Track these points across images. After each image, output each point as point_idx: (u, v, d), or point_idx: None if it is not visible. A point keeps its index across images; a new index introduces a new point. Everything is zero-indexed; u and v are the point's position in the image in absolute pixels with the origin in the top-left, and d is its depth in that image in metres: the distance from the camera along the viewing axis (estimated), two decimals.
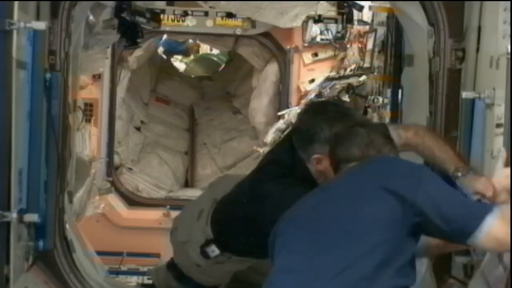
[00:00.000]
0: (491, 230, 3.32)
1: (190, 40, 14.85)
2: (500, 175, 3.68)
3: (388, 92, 6.89)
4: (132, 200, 11.35)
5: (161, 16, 10.07)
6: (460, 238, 3.40)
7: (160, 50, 14.39)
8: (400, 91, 6.36)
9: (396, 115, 6.44)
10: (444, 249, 4.16)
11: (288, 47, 11.21)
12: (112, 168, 11.17)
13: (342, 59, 10.60)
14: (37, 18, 4.47)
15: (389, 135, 3.90)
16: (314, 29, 10.79)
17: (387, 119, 6.83)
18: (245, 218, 4.57)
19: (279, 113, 10.90)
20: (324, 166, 4.17)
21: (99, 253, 7.52)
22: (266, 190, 4.49)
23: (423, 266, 4.41)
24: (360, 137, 3.80)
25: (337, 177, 3.78)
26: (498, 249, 3.52)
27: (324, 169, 4.18)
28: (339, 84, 9.47)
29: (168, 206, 11.05)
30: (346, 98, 9.04)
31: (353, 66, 9.54)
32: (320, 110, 4.36)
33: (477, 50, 4.52)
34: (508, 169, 3.58)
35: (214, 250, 4.86)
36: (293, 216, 3.65)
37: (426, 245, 3.86)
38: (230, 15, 10.77)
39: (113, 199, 11.00)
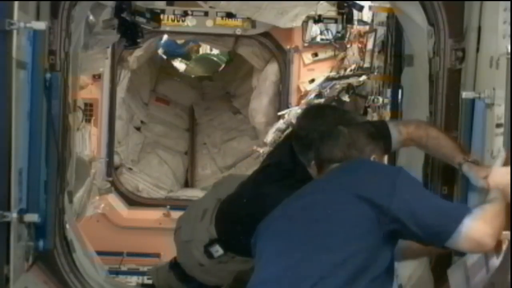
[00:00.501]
0: (469, 232, 3.33)
1: (191, 43, 14.89)
2: (495, 173, 3.67)
3: (388, 92, 6.89)
4: (132, 200, 11.36)
5: (161, 16, 10.07)
6: (438, 242, 3.42)
7: (160, 51, 14.41)
8: (400, 91, 6.36)
9: (396, 115, 6.43)
10: (430, 253, 4.18)
11: (288, 47, 11.22)
12: (112, 168, 11.17)
13: (342, 59, 10.61)
14: (37, 18, 4.46)
15: (374, 135, 3.88)
16: (314, 29, 10.79)
17: (387, 119, 6.82)
18: (247, 219, 4.57)
19: (279, 113, 10.90)
20: (324, 171, 4.16)
21: (99, 253, 7.51)
22: (267, 192, 4.50)
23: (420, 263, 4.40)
24: (342, 137, 3.79)
25: (315, 182, 3.76)
26: (477, 250, 3.54)
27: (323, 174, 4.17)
28: (339, 84, 9.47)
29: (168, 206, 11.06)
30: (346, 98, 9.04)
31: (353, 66, 9.54)
32: (319, 115, 4.35)
33: (477, 50, 4.51)
34: (504, 168, 3.57)
35: (217, 250, 4.87)
36: (272, 221, 3.65)
37: (408, 249, 3.87)
38: (230, 15, 10.77)
39: (113, 199, 11.00)
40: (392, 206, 3.37)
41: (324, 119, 4.18)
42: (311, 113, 4.69)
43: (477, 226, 3.34)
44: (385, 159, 6.63)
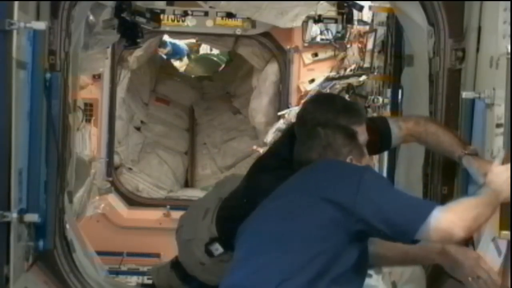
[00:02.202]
0: (436, 222, 3.34)
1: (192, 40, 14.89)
2: (492, 171, 3.65)
3: (388, 92, 6.89)
4: (132, 200, 11.36)
5: (161, 16, 10.07)
6: (406, 239, 3.43)
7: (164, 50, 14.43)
8: (400, 91, 6.36)
9: (396, 115, 6.43)
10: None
11: (288, 47, 11.21)
12: (112, 168, 11.17)
13: (342, 59, 10.60)
14: (37, 18, 4.47)
15: (353, 135, 3.86)
16: (314, 29, 10.79)
17: None
18: (245, 216, 4.57)
19: (279, 113, 10.90)
20: None
21: (99, 253, 7.51)
22: (261, 181, 4.47)
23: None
24: (318, 139, 3.79)
25: (286, 184, 3.73)
26: (446, 240, 3.53)
27: None
28: (339, 84, 9.47)
29: (168, 206, 11.06)
30: (346, 98, 9.04)
31: (353, 66, 9.54)
32: (327, 101, 4.32)
33: (477, 50, 4.52)
34: (500, 167, 3.56)
35: (218, 248, 4.87)
36: (249, 223, 3.68)
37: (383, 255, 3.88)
38: (230, 15, 10.77)
39: (113, 199, 11.00)
40: (357, 205, 3.38)
41: (332, 106, 4.15)
42: (319, 98, 4.69)
43: (445, 216, 3.36)
44: (385, 158, 6.65)
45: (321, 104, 4.21)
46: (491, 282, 3.67)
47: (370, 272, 4.07)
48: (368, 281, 4.00)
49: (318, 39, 10.87)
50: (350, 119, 4.04)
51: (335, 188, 3.45)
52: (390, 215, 3.37)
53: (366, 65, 8.49)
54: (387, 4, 6.81)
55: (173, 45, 15.09)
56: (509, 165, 3.52)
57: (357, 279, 3.50)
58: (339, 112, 4.07)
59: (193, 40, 14.63)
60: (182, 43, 15.69)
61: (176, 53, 15.44)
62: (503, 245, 3.62)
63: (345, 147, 3.79)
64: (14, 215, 3.84)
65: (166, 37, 13.05)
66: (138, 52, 11.38)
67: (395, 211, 3.38)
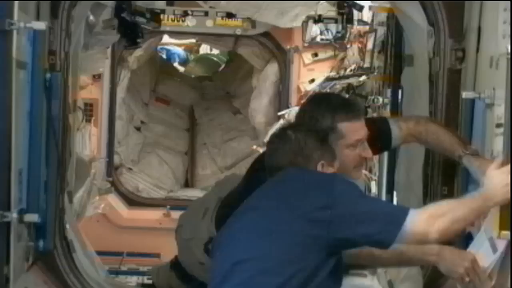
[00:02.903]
0: (413, 226, 3.35)
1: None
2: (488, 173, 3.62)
3: (388, 92, 6.89)
4: (132, 200, 11.37)
5: (161, 16, 10.07)
6: (383, 247, 3.44)
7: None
8: (400, 91, 6.35)
9: (396, 115, 6.42)
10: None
11: (288, 47, 11.21)
12: (112, 168, 11.18)
13: (342, 59, 10.60)
14: (37, 18, 4.46)
15: (324, 138, 3.84)
16: (314, 29, 10.79)
17: None
18: None
19: (279, 113, 10.90)
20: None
21: (99, 253, 7.52)
22: (260, 181, 4.47)
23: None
24: (289, 144, 3.74)
25: (258, 194, 3.71)
26: (421, 242, 3.53)
27: None
28: (339, 84, 9.47)
29: (168, 206, 11.06)
30: None
31: (353, 66, 9.54)
32: (324, 100, 4.33)
33: (477, 50, 4.51)
34: (495, 171, 3.55)
35: None
36: (224, 236, 3.65)
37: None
38: (230, 15, 10.76)
39: (113, 199, 11.01)
40: (332, 220, 3.38)
41: (329, 104, 4.15)
42: (317, 98, 4.69)
43: (420, 218, 3.37)
44: (385, 158, 6.65)
45: (319, 103, 4.21)
46: (480, 286, 3.67)
47: (365, 272, 4.07)
48: (362, 281, 4.01)
49: (318, 39, 10.86)
50: (348, 115, 4.05)
51: (307, 206, 3.43)
52: (365, 226, 3.38)
53: (366, 65, 8.49)
54: (387, 4, 6.80)
55: (168, 51, 15.16)
56: (504, 169, 3.49)
57: (335, 281, 3.50)
58: (336, 109, 4.07)
59: (193, 40, 14.63)
60: (178, 49, 15.77)
61: (170, 58, 15.53)
62: (499, 242, 3.61)
63: (316, 152, 3.74)
64: (14, 215, 3.84)
65: (165, 38, 13.04)
66: (138, 52, 11.37)
67: (369, 222, 3.38)
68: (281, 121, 10.34)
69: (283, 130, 3.88)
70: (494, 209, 3.63)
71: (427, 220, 3.37)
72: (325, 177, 3.64)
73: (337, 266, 3.48)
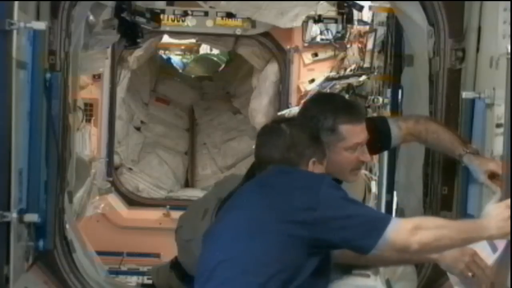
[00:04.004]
0: (395, 234, 3.34)
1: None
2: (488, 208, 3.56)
3: (388, 92, 6.89)
4: (132, 200, 11.37)
5: (161, 16, 10.07)
6: (363, 253, 3.43)
7: None
8: (400, 91, 6.36)
9: (396, 115, 6.43)
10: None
11: (288, 47, 11.22)
12: (112, 168, 11.18)
13: (342, 59, 10.60)
14: (37, 18, 4.46)
15: (317, 135, 3.82)
16: (314, 29, 10.79)
17: None
18: None
19: (279, 113, 10.89)
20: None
21: (99, 253, 7.52)
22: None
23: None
24: (282, 138, 3.71)
25: (243, 193, 3.72)
26: (402, 251, 3.50)
27: None
28: (339, 84, 9.47)
29: (168, 206, 11.06)
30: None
31: (353, 66, 9.54)
32: (327, 100, 4.33)
33: (477, 50, 4.51)
34: (499, 205, 3.49)
35: None
36: (210, 235, 3.65)
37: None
38: (230, 15, 10.77)
39: (113, 199, 11.01)
40: (316, 222, 3.38)
41: (332, 104, 4.15)
42: (320, 97, 4.67)
43: (404, 227, 3.35)
44: (385, 158, 6.65)
45: (321, 103, 4.21)
46: (485, 278, 3.66)
47: (368, 272, 4.06)
48: (366, 281, 4.00)
49: (318, 39, 10.87)
50: (350, 117, 4.05)
51: (291, 206, 3.42)
52: (346, 230, 3.37)
53: (366, 65, 8.50)
54: (387, 4, 6.81)
55: (166, 60, 15.25)
56: (503, 204, 3.43)
57: (319, 280, 3.50)
58: (339, 110, 4.07)
59: (193, 40, 14.64)
60: (176, 58, 15.86)
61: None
62: (499, 242, 3.61)
63: (309, 148, 3.72)
64: (14, 215, 3.84)
65: (165, 38, 13.04)
66: (138, 52, 11.37)
67: (351, 227, 3.38)
68: None
69: (276, 123, 3.84)
70: None
71: (410, 230, 3.35)
72: (312, 178, 3.61)
73: (321, 266, 3.48)
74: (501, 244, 3.59)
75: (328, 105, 4.13)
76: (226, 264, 3.44)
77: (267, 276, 3.35)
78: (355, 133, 4.06)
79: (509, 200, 3.40)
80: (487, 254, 3.69)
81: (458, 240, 3.43)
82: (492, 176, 3.97)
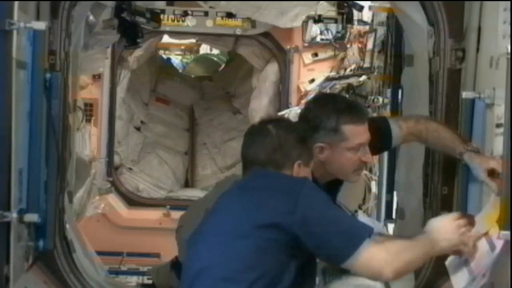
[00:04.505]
0: (368, 259, 3.35)
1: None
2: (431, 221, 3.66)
3: (388, 92, 6.89)
4: (132, 200, 11.37)
5: (161, 16, 10.07)
6: (335, 263, 3.44)
7: None
8: (400, 91, 6.36)
9: (396, 115, 6.43)
10: None
11: (288, 47, 11.21)
12: (112, 168, 11.17)
13: (342, 59, 10.60)
14: (37, 18, 4.46)
15: (304, 137, 3.80)
16: (314, 29, 10.79)
17: None
18: None
19: (279, 113, 10.88)
20: (325, 156, 4.11)
21: (99, 253, 7.52)
22: None
23: None
24: (269, 139, 3.69)
25: (227, 198, 3.71)
26: (373, 278, 3.55)
27: (324, 159, 4.14)
28: (339, 84, 9.47)
29: (168, 206, 11.06)
30: None
31: (353, 66, 9.54)
32: (330, 100, 4.33)
33: (477, 50, 4.51)
34: (438, 218, 3.60)
35: None
36: (194, 238, 3.66)
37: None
38: (230, 15, 10.77)
39: (113, 199, 11.00)
40: (293, 226, 3.37)
41: (335, 105, 4.15)
42: (322, 98, 4.67)
43: (378, 255, 3.36)
44: (385, 158, 6.65)
45: (323, 103, 4.21)
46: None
47: None
48: (365, 280, 4.00)
49: (318, 39, 10.87)
50: (353, 118, 4.05)
51: (271, 210, 3.42)
52: (323, 239, 3.37)
53: (366, 65, 8.50)
54: (387, 4, 6.81)
55: (166, 60, 15.25)
56: (446, 217, 3.58)
57: (304, 285, 3.50)
58: (342, 111, 4.07)
59: (193, 40, 14.64)
60: (176, 59, 15.85)
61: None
62: (497, 240, 3.62)
63: (295, 150, 3.70)
64: (14, 215, 3.83)
65: (165, 38, 13.05)
66: (138, 52, 11.37)
67: (328, 236, 3.38)
68: None
69: (263, 123, 3.82)
70: (492, 206, 3.67)
71: (385, 259, 3.36)
72: (294, 182, 3.59)
73: (306, 267, 3.48)
74: (500, 243, 3.59)
75: (330, 106, 4.13)
76: (206, 272, 3.43)
77: (248, 282, 3.35)
78: (357, 133, 4.07)
79: (455, 214, 3.61)
80: (486, 253, 3.69)
81: (421, 259, 3.51)
82: (492, 174, 3.97)
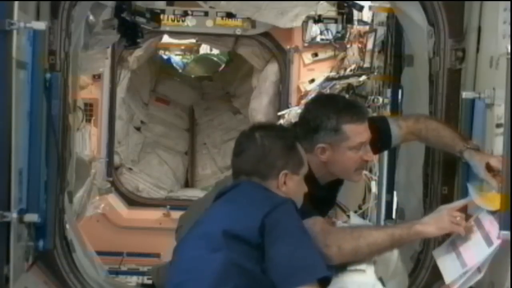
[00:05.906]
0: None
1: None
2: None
3: (388, 92, 6.88)
4: (132, 200, 11.37)
5: (161, 16, 10.07)
6: (278, 281, 3.39)
7: None
8: (400, 91, 6.36)
9: (396, 115, 6.43)
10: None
11: (288, 47, 11.21)
12: (112, 168, 11.18)
13: (342, 59, 10.60)
14: (37, 18, 4.46)
15: (292, 145, 3.78)
16: (314, 29, 10.79)
17: None
18: None
19: (279, 113, 10.90)
20: (326, 156, 4.11)
21: (99, 253, 7.51)
22: None
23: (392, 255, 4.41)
24: (253, 148, 3.69)
25: (212, 207, 3.74)
26: None
27: (326, 160, 4.13)
28: (339, 84, 9.47)
29: (168, 206, 11.06)
30: None
31: (353, 66, 9.54)
32: (329, 101, 4.32)
33: (477, 50, 4.52)
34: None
35: None
36: (181, 243, 3.67)
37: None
38: (230, 15, 10.77)
39: (113, 199, 11.01)
40: (262, 242, 3.39)
41: (334, 105, 4.15)
42: (321, 99, 4.67)
43: None
44: (385, 158, 6.65)
45: (323, 104, 4.21)
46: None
47: (363, 267, 4.03)
48: (361, 277, 3.99)
49: (318, 39, 10.87)
50: (353, 117, 4.05)
51: (246, 226, 3.42)
52: (277, 260, 3.37)
53: (366, 65, 8.49)
54: (387, 4, 6.80)
55: (166, 60, 15.25)
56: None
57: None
58: (342, 110, 4.07)
59: (193, 40, 14.65)
60: (177, 58, 15.84)
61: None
62: (493, 236, 3.62)
63: (280, 160, 3.68)
64: (14, 215, 3.84)
65: (165, 38, 13.05)
66: (138, 52, 11.38)
67: (282, 262, 3.37)
68: (281, 121, 10.34)
69: (252, 130, 3.81)
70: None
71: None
72: (271, 200, 3.56)
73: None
74: (496, 239, 3.59)
75: (330, 106, 4.13)
76: (185, 285, 3.44)
77: None
78: (358, 132, 4.07)
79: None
80: (481, 247, 3.69)
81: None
82: (490, 169, 3.97)
